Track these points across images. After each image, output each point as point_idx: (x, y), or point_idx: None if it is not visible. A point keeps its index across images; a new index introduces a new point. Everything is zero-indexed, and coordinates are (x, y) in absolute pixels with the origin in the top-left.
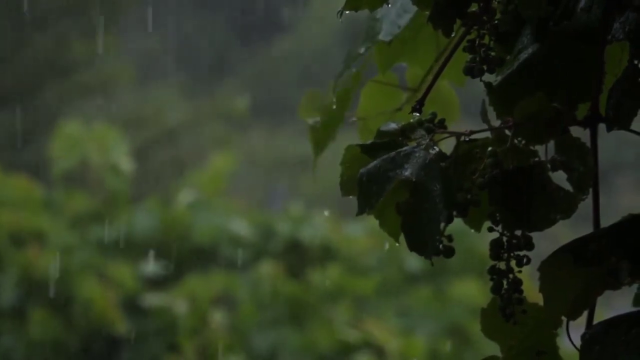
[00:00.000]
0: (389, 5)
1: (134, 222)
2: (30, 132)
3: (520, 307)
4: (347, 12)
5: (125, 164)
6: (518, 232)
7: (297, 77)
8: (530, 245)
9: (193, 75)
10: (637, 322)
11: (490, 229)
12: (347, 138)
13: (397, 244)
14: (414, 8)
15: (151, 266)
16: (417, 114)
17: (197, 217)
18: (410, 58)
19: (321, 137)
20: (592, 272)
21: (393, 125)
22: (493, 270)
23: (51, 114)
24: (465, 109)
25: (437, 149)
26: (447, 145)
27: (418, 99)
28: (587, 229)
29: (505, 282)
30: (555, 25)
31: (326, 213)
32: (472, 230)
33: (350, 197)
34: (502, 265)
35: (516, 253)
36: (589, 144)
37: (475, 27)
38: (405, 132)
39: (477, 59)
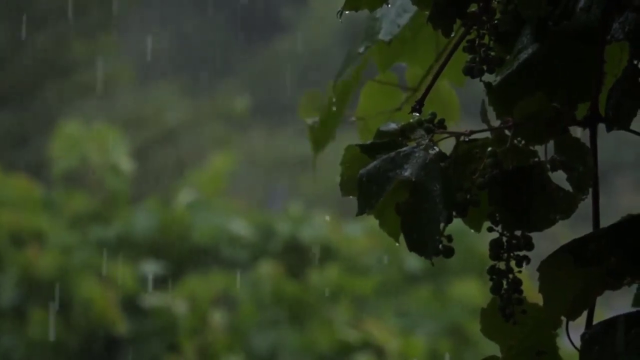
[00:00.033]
0: (389, 5)
1: (133, 222)
2: (30, 132)
3: (520, 307)
4: (346, 12)
5: (125, 164)
6: (518, 232)
7: (297, 77)
8: (530, 246)
9: (193, 75)
10: (637, 322)
11: (490, 229)
12: (347, 138)
13: (397, 244)
14: (414, 8)
15: (151, 266)
16: (417, 114)
17: (197, 217)
18: (409, 58)
19: (320, 136)
20: (592, 272)
21: (393, 125)
22: (493, 271)
23: (51, 114)
24: (465, 109)
25: (436, 149)
26: (447, 145)
27: (418, 99)
28: (586, 229)
29: (505, 282)
30: (554, 25)
31: (327, 218)
32: (472, 230)
33: (350, 197)
34: (501, 265)
35: (516, 253)
36: (588, 144)
37: (475, 27)
38: (405, 132)
39: (477, 59)
